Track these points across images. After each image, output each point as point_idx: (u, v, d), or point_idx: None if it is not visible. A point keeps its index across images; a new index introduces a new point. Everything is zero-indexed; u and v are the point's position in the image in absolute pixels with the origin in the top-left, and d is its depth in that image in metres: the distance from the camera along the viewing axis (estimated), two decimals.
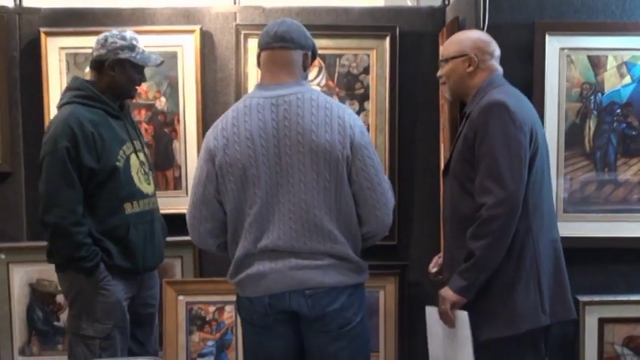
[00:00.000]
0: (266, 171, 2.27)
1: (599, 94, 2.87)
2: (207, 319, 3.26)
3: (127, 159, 2.69)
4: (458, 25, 2.94)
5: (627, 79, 2.86)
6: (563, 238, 2.46)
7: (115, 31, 2.73)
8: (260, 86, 2.37)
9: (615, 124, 2.88)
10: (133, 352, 2.78)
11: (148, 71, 2.87)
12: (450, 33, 2.78)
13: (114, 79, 2.69)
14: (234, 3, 3.34)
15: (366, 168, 2.29)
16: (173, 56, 3.23)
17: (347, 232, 2.31)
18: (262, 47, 2.37)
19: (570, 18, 2.84)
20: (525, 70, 2.80)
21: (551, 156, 2.57)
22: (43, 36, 3.20)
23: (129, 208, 2.67)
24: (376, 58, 3.26)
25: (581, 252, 2.78)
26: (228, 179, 2.30)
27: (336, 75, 3.27)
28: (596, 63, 2.86)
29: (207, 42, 3.27)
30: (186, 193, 3.15)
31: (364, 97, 3.28)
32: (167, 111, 3.27)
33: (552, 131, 2.82)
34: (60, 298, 3.22)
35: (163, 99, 3.27)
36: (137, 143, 2.77)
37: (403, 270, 3.31)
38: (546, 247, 2.34)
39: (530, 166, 2.29)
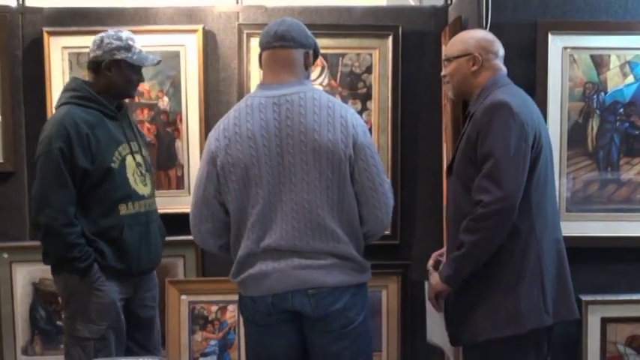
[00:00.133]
0: (268, 170, 2.26)
1: (602, 94, 2.86)
2: (210, 318, 3.26)
3: (123, 160, 2.68)
4: (460, 25, 2.94)
5: (630, 79, 2.86)
6: (566, 238, 2.45)
7: (111, 31, 2.71)
8: (262, 86, 2.37)
9: (618, 124, 2.88)
10: (133, 352, 2.77)
11: (150, 71, 2.87)
12: (453, 32, 2.78)
13: (111, 79, 2.68)
14: (237, 2, 3.34)
15: (369, 168, 2.28)
16: (176, 56, 3.23)
17: (350, 232, 2.31)
18: (263, 47, 2.37)
19: (573, 17, 2.83)
20: (528, 70, 2.80)
21: (554, 155, 2.56)
22: (45, 35, 3.20)
23: (123, 210, 2.66)
24: (379, 57, 3.25)
25: (584, 251, 2.78)
26: (231, 179, 2.30)
27: (339, 74, 3.26)
28: (599, 62, 2.85)
29: (209, 41, 3.27)
30: (189, 193, 3.15)
31: (367, 97, 3.27)
32: (170, 110, 3.27)
33: (555, 130, 2.81)
34: None
35: (166, 98, 3.27)
36: (134, 144, 2.75)
37: (406, 269, 3.31)
38: (549, 247, 2.34)
39: (534, 166, 2.29)
